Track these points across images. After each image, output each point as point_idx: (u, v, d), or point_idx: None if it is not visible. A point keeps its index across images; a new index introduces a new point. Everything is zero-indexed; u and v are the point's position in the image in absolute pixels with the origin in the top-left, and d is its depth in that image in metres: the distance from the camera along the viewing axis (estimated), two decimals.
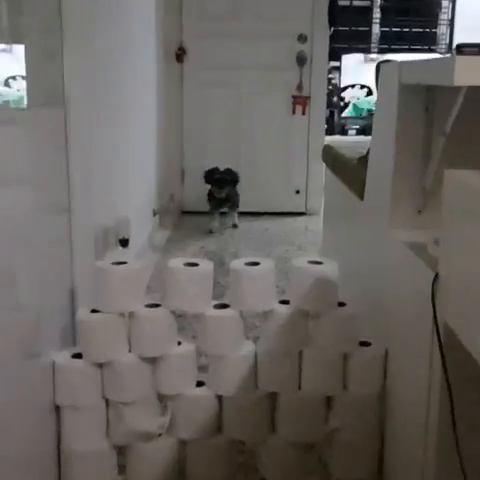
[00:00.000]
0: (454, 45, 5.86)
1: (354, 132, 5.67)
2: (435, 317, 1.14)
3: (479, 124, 1.38)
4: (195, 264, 1.49)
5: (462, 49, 1.19)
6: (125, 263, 1.49)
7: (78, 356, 1.49)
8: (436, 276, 1.15)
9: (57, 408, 1.50)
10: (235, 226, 4.04)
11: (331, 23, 4.32)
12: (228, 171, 3.96)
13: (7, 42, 1.38)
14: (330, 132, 5.49)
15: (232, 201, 4.02)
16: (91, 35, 1.91)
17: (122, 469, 1.59)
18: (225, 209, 4.04)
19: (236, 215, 4.09)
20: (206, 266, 1.50)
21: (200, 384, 1.57)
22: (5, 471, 1.21)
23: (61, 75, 1.58)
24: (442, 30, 6.18)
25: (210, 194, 3.96)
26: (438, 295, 1.14)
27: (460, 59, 1.11)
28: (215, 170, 3.94)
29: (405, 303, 1.40)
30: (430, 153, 1.48)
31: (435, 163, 1.44)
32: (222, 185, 3.90)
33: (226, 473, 1.60)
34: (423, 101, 1.47)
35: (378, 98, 1.74)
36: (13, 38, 1.40)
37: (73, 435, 1.51)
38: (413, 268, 1.31)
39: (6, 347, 1.20)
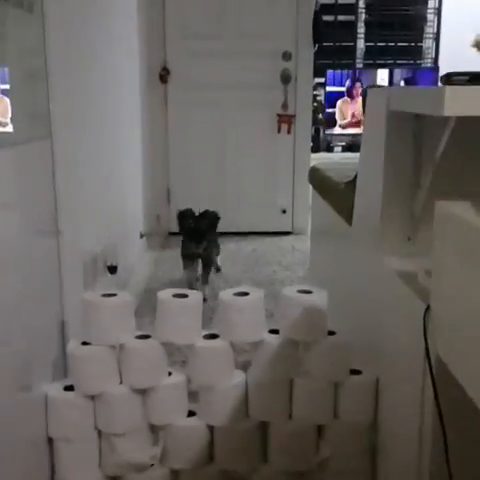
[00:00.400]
0: (439, 60, 5.89)
1: (340, 149, 5.68)
2: (427, 350, 1.14)
3: (469, 152, 1.39)
4: (184, 295, 1.49)
5: (451, 78, 1.18)
6: (115, 295, 1.48)
7: (70, 388, 1.48)
8: (427, 308, 1.15)
9: (50, 440, 1.49)
10: (218, 270, 3.45)
11: (315, 40, 4.32)
12: (205, 215, 3.05)
13: None
14: (316, 149, 5.49)
15: (212, 249, 3.21)
16: (75, 59, 1.91)
17: None
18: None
19: (218, 258, 3.43)
20: (195, 297, 1.49)
21: (191, 414, 1.56)
22: None
23: (46, 101, 1.57)
24: (428, 44, 6.21)
25: (184, 246, 3.11)
26: (430, 327, 1.14)
27: (450, 89, 1.09)
28: (188, 214, 3.04)
29: (396, 333, 1.40)
30: (419, 180, 1.48)
31: (424, 190, 1.45)
32: (200, 239, 3.03)
33: None
34: (411, 127, 1.47)
35: (365, 123, 1.74)
36: None
37: (67, 467, 1.50)
38: (404, 299, 1.31)
39: None
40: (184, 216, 3.04)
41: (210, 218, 3.06)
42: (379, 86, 1.69)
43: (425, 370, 1.17)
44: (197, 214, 3.02)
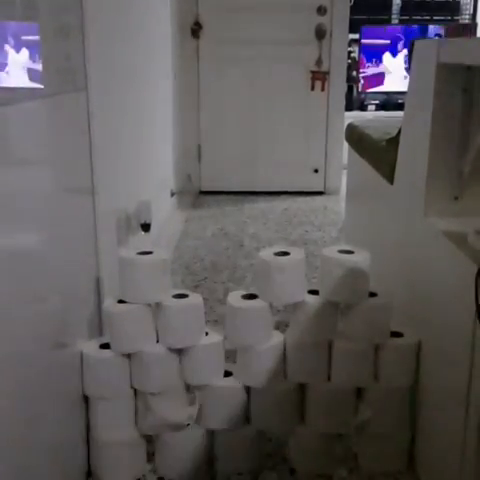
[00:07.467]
0: (478, 16, 5.69)
1: (373, 107, 5.53)
2: (478, 313, 1.09)
3: None
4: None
5: None
6: (150, 253, 1.45)
7: (106, 346, 1.47)
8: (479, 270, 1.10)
9: (86, 398, 1.49)
10: None
11: None
12: None
13: (21, 20, 1.30)
14: (349, 108, 5.37)
15: None
16: (110, 14, 1.86)
17: (151, 457, 1.58)
18: None
19: None
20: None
21: (228, 374, 1.54)
22: (36, 460, 1.20)
23: (82, 57, 1.53)
24: None
25: None
26: None
27: None
28: None
29: (443, 295, 1.35)
30: (468, 136, 1.42)
31: (474, 147, 1.38)
32: None
33: (254, 463, 1.58)
34: (461, 82, 1.40)
35: (411, 77, 1.66)
36: (27, 16, 1.33)
37: (102, 425, 1.50)
38: (453, 260, 1.25)
39: (34, 338, 1.17)
40: None
41: None
42: (428, 38, 1.60)
43: (475, 334, 1.13)
44: None
